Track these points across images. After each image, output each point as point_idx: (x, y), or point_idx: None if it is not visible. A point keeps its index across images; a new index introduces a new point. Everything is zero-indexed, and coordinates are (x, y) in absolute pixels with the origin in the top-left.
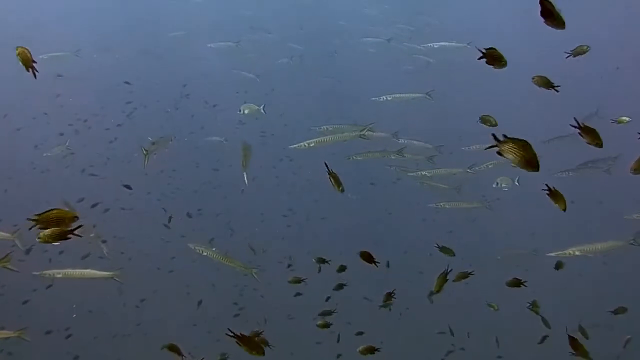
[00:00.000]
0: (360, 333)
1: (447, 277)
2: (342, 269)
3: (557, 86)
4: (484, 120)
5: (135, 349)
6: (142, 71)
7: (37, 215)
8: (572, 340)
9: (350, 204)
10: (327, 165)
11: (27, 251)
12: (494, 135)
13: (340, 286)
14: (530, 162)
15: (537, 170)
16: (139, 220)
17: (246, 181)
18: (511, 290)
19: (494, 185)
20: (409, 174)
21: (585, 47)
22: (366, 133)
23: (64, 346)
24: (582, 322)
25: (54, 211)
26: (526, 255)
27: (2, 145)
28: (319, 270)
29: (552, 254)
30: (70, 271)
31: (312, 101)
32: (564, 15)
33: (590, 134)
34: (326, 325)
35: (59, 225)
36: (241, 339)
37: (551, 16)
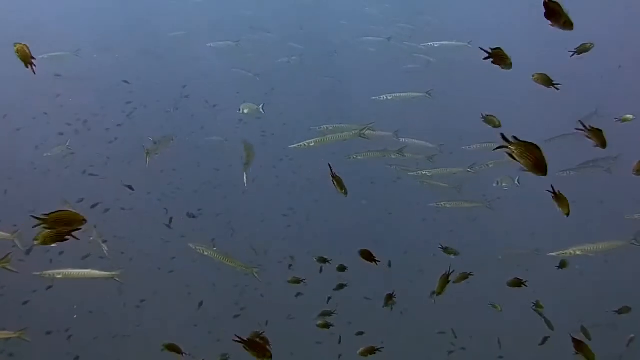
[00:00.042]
0: (361, 333)
1: (449, 279)
2: (342, 268)
3: (558, 84)
4: (488, 120)
5: (136, 350)
6: (142, 71)
7: (45, 215)
8: (577, 343)
9: (350, 204)
10: (331, 168)
11: (27, 252)
12: (503, 135)
13: (340, 286)
14: (539, 166)
15: (545, 174)
16: (139, 220)
17: (245, 182)
18: (512, 290)
19: (494, 185)
20: (409, 173)
21: (589, 45)
22: (366, 132)
23: (65, 347)
24: (584, 322)
25: (65, 212)
26: (527, 255)
27: (2, 145)
28: (321, 270)
29: (554, 254)
30: (70, 271)
31: (312, 101)
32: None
33: (597, 136)
34: (326, 326)
35: (68, 227)
36: (249, 344)
37: (557, 17)
